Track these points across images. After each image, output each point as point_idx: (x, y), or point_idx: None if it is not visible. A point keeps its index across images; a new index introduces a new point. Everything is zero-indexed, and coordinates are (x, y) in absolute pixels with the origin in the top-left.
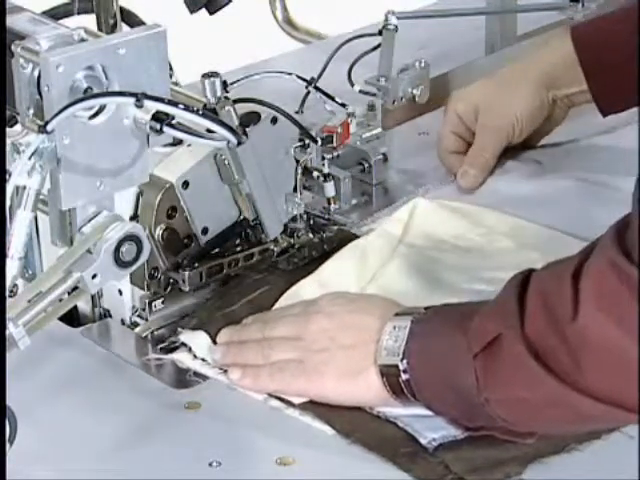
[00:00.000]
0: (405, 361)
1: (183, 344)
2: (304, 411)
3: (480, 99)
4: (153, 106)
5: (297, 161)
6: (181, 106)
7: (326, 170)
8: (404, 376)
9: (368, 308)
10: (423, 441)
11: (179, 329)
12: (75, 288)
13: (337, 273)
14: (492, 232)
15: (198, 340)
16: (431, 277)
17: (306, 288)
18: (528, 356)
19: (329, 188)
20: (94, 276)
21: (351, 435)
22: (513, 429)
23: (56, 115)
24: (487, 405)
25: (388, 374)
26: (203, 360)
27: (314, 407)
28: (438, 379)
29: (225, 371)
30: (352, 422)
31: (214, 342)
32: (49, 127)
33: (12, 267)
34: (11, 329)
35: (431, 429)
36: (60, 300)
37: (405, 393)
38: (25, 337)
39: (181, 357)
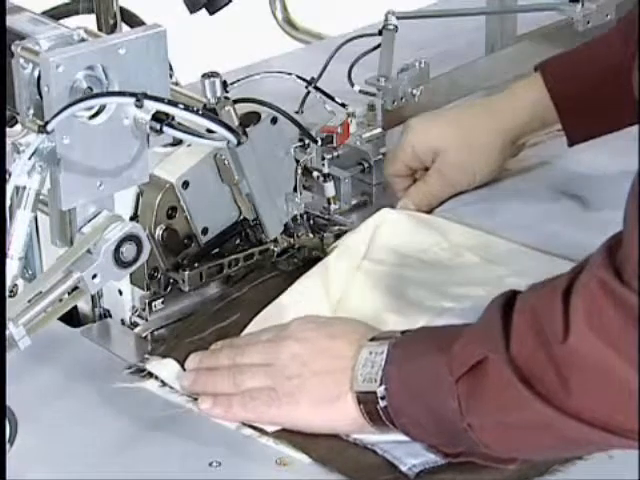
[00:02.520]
0: (383, 387)
1: (149, 373)
2: (278, 439)
3: (440, 145)
4: (153, 106)
5: (297, 161)
6: (181, 106)
7: (326, 170)
8: (382, 403)
9: (341, 333)
10: (403, 468)
11: (146, 356)
12: (75, 288)
13: (305, 296)
14: (458, 246)
15: (166, 367)
16: (397, 295)
17: (275, 313)
18: (514, 379)
19: (329, 188)
20: (94, 276)
21: (328, 463)
22: (495, 455)
23: (56, 115)
24: (470, 431)
25: (365, 401)
26: (171, 388)
27: (289, 435)
28: (418, 404)
29: (195, 399)
30: (329, 450)
31: (184, 369)
32: (49, 127)
33: (12, 267)
34: (11, 329)
35: (411, 455)
36: (60, 300)
37: (383, 420)
38: (25, 337)
39: (148, 385)
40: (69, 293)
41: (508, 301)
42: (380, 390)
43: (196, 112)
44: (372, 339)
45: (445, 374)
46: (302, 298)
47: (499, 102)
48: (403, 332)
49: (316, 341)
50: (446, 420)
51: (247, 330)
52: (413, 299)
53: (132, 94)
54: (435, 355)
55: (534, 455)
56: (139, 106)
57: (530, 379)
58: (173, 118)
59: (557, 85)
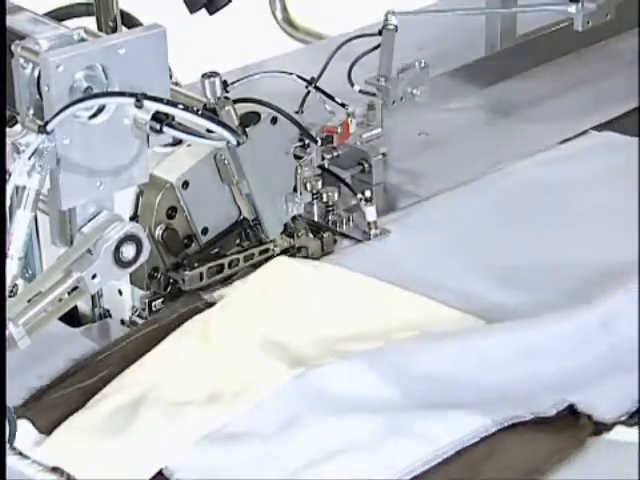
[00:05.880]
0: None
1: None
2: None
3: None
4: (153, 106)
5: (298, 157)
6: (181, 106)
7: (368, 194)
8: None
9: None
10: None
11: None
12: (75, 288)
13: (175, 355)
14: (353, 296)
15: (20, 432)
16: (280, 348)
17: (137, 372)
18: None
19: (370, 212)
20: (94, 276)
21: None
22: None
23: (56, 115)
24: None
25: None
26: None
27: None
28: None
29: (54, 469)
30: None
31: (40, 432)
32: (49, 127)
33: (12, 267)
34: (11, 329)
35: None
36: (60, 300)
37: None
38: (25, 337)
39: (11, 462)
40: (69, 293)
41: None
42: None
43: (196, 112)
44: None
45: None
46: (171, 357)
47: None
48: None
49: None
50: None
51: (105, 390)
52: (298, 355)
53: (132, 94)
54: None
55: None
56: (139, 106)
57: None
58: (173, 118)
59: None
